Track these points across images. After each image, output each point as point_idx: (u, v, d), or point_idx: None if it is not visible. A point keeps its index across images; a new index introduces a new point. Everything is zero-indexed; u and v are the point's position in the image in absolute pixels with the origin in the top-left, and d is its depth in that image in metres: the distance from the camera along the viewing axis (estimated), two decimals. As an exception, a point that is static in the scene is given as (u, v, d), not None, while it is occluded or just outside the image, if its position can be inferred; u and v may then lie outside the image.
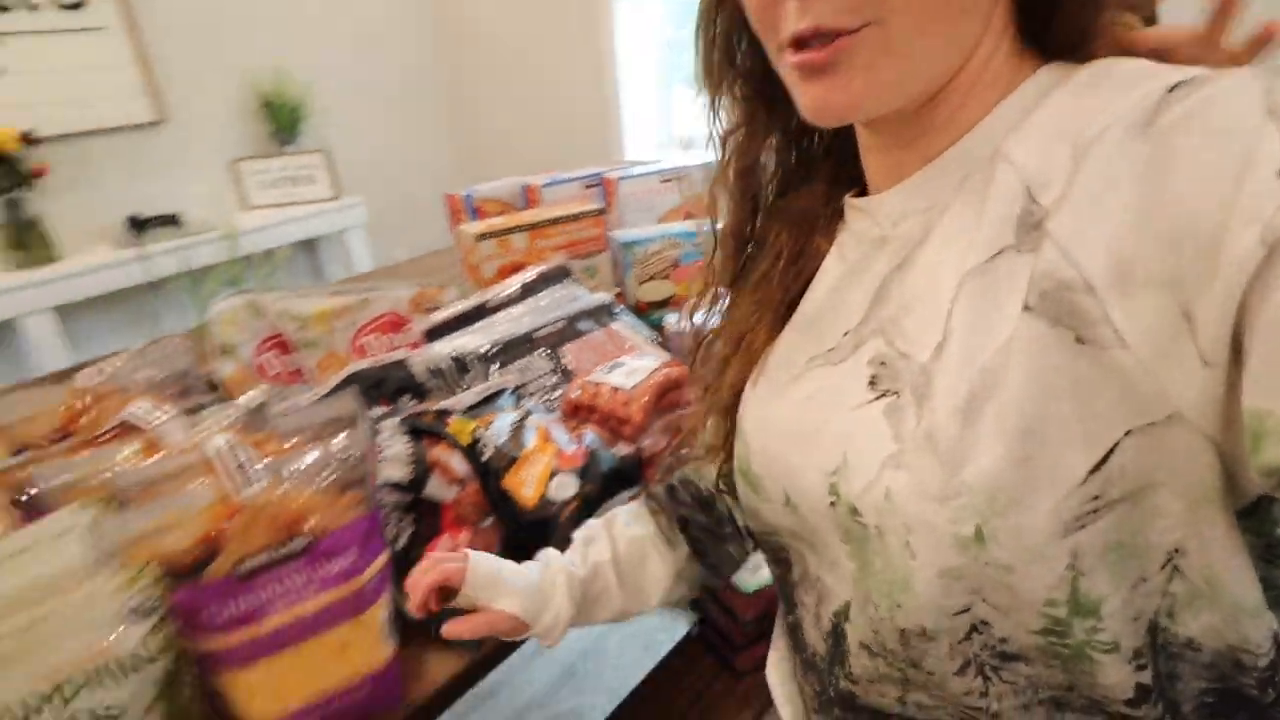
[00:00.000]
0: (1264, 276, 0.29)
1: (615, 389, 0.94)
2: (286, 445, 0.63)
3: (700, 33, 0.50)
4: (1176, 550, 0.37)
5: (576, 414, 0.96)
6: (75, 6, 2.32)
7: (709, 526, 0.67)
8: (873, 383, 0.44)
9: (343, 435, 0.63)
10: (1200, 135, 0.32)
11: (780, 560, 0.56)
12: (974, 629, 0.40)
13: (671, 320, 1.21)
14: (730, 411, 0.57)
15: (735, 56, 0.50)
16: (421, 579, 0.60)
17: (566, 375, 1.07)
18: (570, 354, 1.12)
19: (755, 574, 1.43)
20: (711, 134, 0.54)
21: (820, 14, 0.38)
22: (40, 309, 2.19)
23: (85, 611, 0.52)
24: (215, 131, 2.66)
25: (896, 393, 0.42)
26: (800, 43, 0.40)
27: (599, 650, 1.71)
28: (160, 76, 2.50)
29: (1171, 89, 0.34)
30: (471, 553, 0.62)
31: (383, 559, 0.65)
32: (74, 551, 0.57)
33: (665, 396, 0.94)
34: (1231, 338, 0.31)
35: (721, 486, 0.62)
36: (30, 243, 2.21)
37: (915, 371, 0.41)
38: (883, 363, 0.43)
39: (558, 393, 1.03)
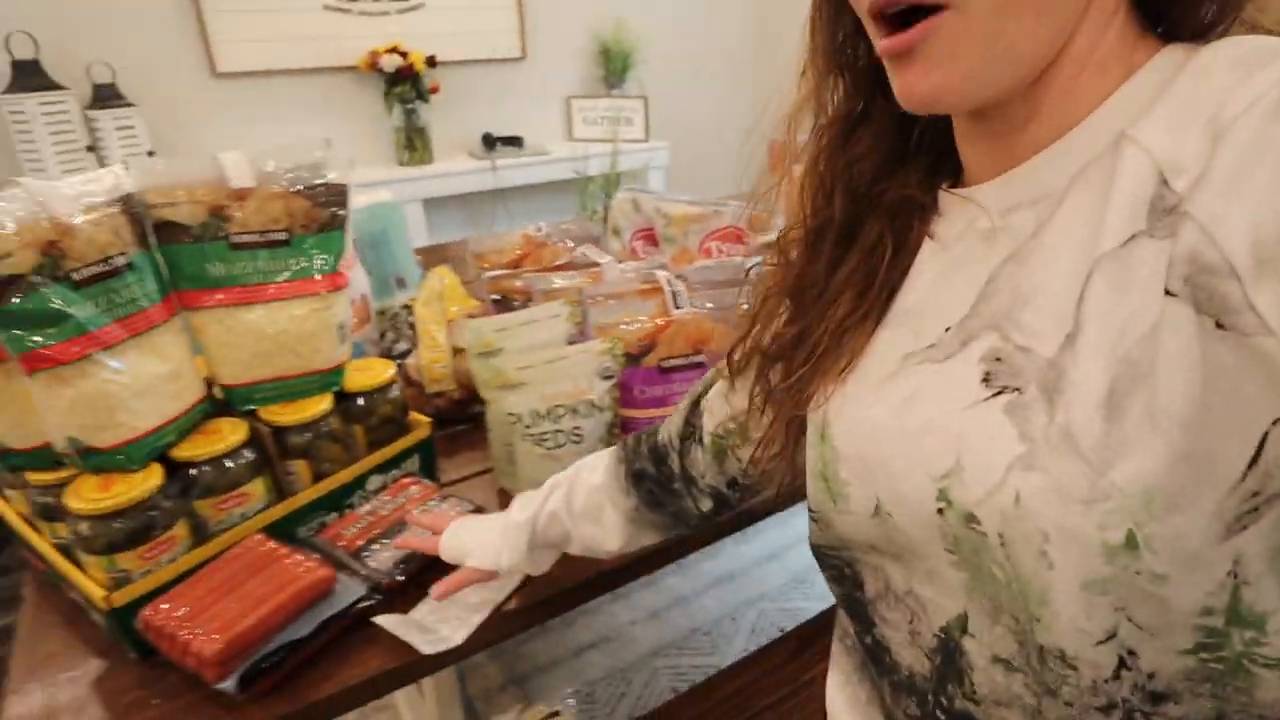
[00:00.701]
0: None
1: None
2: (700, 289, 0.87)
3: (811, 17, 0.49)
4: None
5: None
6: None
7: (660, 480, 0.69)
8: (987, 379, 0.41)
9: (737, 287, 0.86)
10: None
11: (846, 577, 0.53)
12: (1122, 663, 0.37)
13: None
14: (793, 429, 0.55)
15: (845, 41, 0.49)
16: (408, 542, 0.77)
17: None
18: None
19: None
20: (815, 122, 0.51)
21: None
22: (414, 199, 2.75)
23: (578, 365, 0.79)
24: (559, 70, 3.10)
25: (1018, 389, 0.39)
26: (889, 19, 0.40)
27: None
28: (528, 20, 2.96)
29: None
30: (447, 530, 0.74)
31: (744, 387, 0.88)
32: (559, 330, 0.86)
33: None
34: None
35: (748, 474, 0.64)
36: (417, 145, 2.77)
37: (1040, 366, 0.38)
38: (998, 358, 0.41)
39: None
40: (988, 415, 0.40)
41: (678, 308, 0.82)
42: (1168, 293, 0.34)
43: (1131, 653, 0.37)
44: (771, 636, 1.51)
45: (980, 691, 0.44)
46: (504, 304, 1.01)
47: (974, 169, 0.46)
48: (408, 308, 1.18)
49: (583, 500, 0.70)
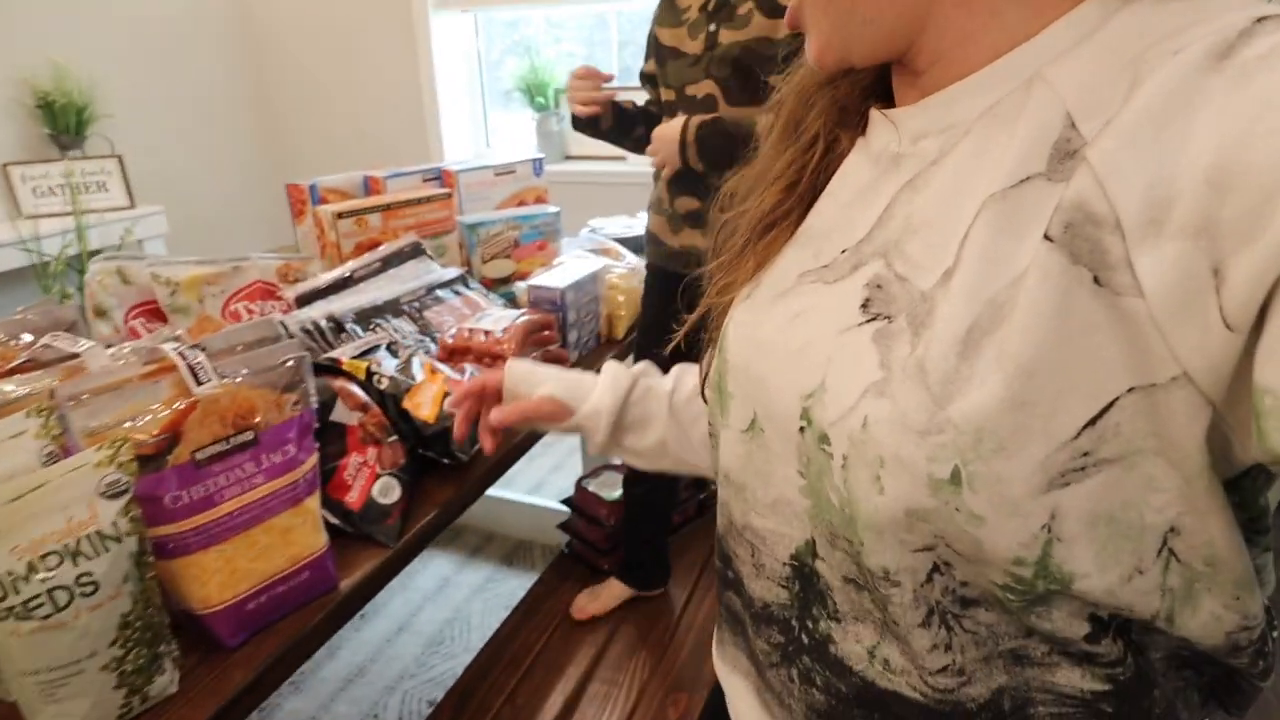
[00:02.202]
0: None
1: (487, 332, 1.08)
2: (224, 357, 0.71)
3: None
4: (1172, 529, 0.35)
5: (453, 357, 1.09)
6: None
7: None
8: (865, 305, 0.41)
9: (277, 344, 0.73)
10: None
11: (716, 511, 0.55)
12: (935, 569, 0.39)
13: (521, 288, 1.36)
14: (719, 322, 0.55)
15: None
16: (461, 397, 0.69)
17: (432, 333, 1.19)
18: (432, 316, 1.23)
19: (613, 488, 1.64)
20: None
21: None
22: None
23: (65, 489, 0.58)
24: (-21, 133, 2.41)
25: (889, 317, 0.39)
26: None
27: (462, 617, 1.79)
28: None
29: (1260, 20, 0.31)
30: (510, 360, 0.67)
31: (314, 458, 0.75)
32: (27, 455, 0.63)
33: (532, 336, 1.10)
34: (1263, 304, 0.28)
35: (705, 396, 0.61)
36: None
37: (915, 298, 0.38)
38: (879, 285, 0.41)
39: (427, 348, 1.15)
40: (856, 340, 0.40)
41: (201, 384, 0.66)
42: (1046, 237, 0.33)
43: (947, 564, 0.38)
44: (424, 714, 1.38)
45: (842, 609, 0.44)
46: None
47: (900, 96, 0.47)
48: None
49: (684, 398, 0.66)
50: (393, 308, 1.20)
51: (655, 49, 1.38)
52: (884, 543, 0.39)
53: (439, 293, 1.29)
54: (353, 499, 0.84)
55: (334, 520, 0.82)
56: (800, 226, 0.51)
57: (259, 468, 0.69)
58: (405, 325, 1.20)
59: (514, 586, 1.82)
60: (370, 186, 1.58)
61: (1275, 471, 0.36)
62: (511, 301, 1.39)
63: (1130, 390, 0.32)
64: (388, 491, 0.85)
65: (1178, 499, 0.34)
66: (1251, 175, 0.28)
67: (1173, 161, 0.30)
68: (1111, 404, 0.32)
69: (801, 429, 0.43)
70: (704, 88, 1.29)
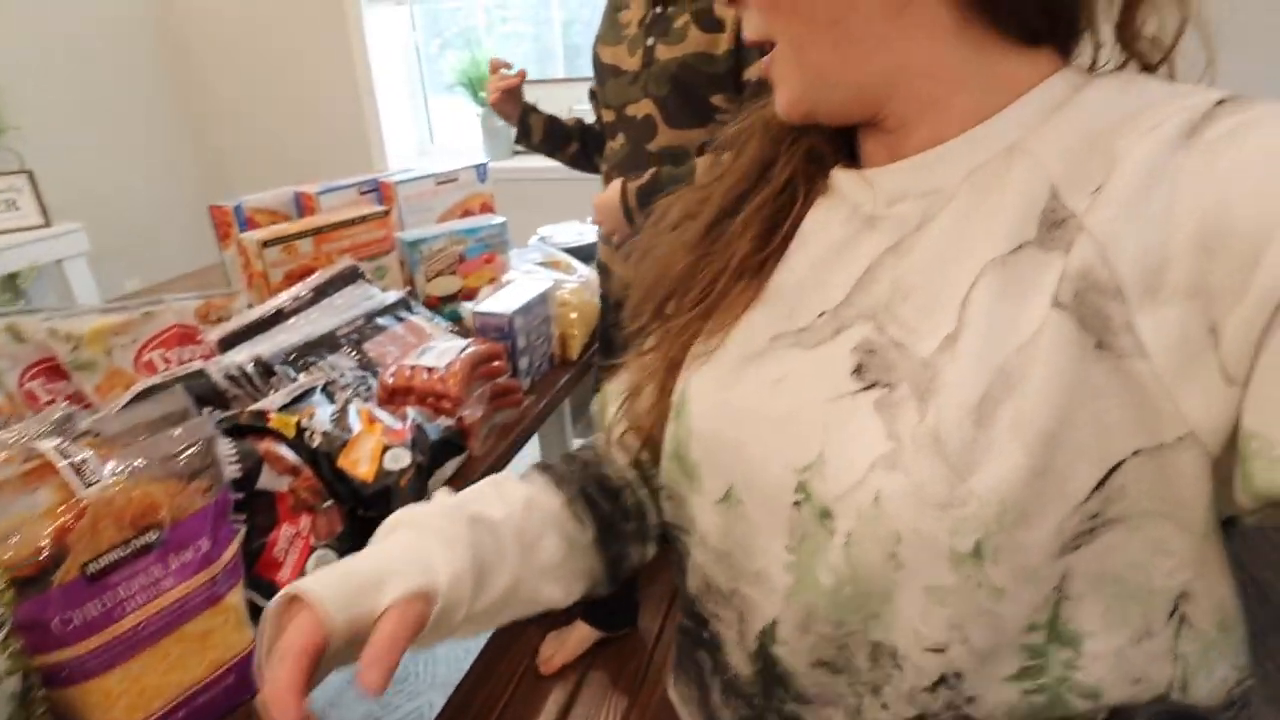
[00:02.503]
0: None
1: (429, 369, 1.00)
2: (123, 444, 0.62)
3: None
4: (1183, 594, 0.35)
5: (394, 398, 1.00)
6: None
7: (610, 518, 0.56)
8: (858, 372, 0.40)
9: (181, 427, 0.64)
10: (1250, 151, 0.31)
11: (684, 567, 0.52)
12: (943, 680, 0.37)
13: (468, 309, 1.28)
14: (672, 378, 0.52)
15: None
16: (280, 689, 0.37)
17: (373, 368, 1.10)
18: (373, 349, 1.14)
19: None
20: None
21: (747, 28, 0.44)
22: None
23: (-78, 632, 0.50)
24: None
25: (889, 385, 0.39)
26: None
27: (426, 652, 1.72)
28: None
29: (1219, 103, 0.34)
30: (305, 591, 0.42)
31: (235, 544, 0.67)
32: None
33: (478, 369, 1.02)
34: (1255, 356, 0.30)
35: (640, 470, 0.58)
36: None
37: (915, 364, 0.38)
38: (871, 350, 0.40)
39: (368, 385, 1.06)
40: (856, 409, 0.39)
41: (90, 484, 0.57)
42: (1056, 304, 0.34)
43: (958, 675, 0.37)
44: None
45: (809, 693, 0.43)
46: None
47: (868, 157, 0.47)
48: None
49: (521, 510, 0.52)
50: (329, 342, 1.11)
51: (596, 67, 1.33)
52: (900, 621, 0.37)
53: (380, 320, 1.20)
54: (284, 578, 0.76)
55: (263, 604, 0.74)
56: (768, 283, 0.49)
57: (167, 570, 0.61)
58: (343, 361, 1.11)
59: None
60: (302, 204, 1.47)
61: (1250, 520, 0.36)
62: (458, 323, 1.30)
63: (1136, 453, 0.33)
64: (324, 566, 0.77)
65: (1189, 563, 0.34)
66: (1234, 240, 0.30)
67: (1162, 229, 0.32)
68: (1118, 466, 0.33)
69: (797, 503, 0.41)
70: (643, 107, 1.24)
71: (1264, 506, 0.32)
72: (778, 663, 0.44)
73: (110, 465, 0.59)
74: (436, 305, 1.39)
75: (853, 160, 0.49)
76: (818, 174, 0.49)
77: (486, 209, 1.59)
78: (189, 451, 0.63)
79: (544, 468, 0.59)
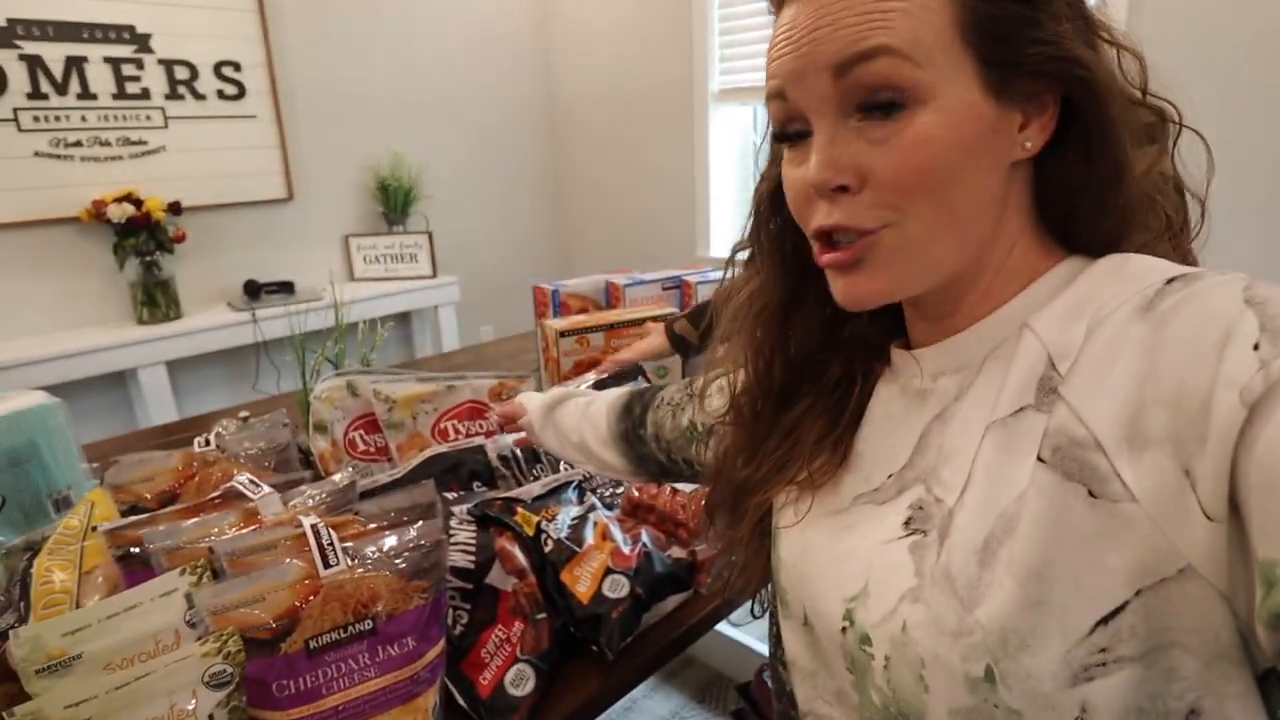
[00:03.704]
0: (1248, 434, 0.33)
1: (675, 491, 0.97)
2: (367, 529, 0.68)
3: (752, 207, 0.57)
4: (1193, 712, 0.37)
5: (636, 513, 0.99)
6: (236, 97, 2.62)
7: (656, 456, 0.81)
8: (908, 523, 0.47)
9: (418, 524, 0.68)
10: (1190, 319, 0.37)
11: (784, 691, 0.59)
12: None
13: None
14: (757, 541, 0.60)
15: (779, 233, 0.55)
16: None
17: (631, 472, 1.11)
18: (636, 451, 1.16)
19: None
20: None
21: (845, 215, 0.44)
22: (157, 362, 2.40)
23: (171, 676, 0.57)
24: (333, 209, 2.91)
25: (925, 532, 0.45)
26: (827, 236, 0.46)
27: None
28: (294, 160, 2.76)
29: (1169, 281, 0.40)
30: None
31: (439, 647, 0.69)
32: (173, 613, 0.64)
33: (723, 505, 0.96)
34: (1229, 494, 0.33)
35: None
36: (160, 301, 2.44)
37: (943, 514, 0.44)
38: (920, 507, 0.47)
39: (620, 488, 1.07)
40: (895, 550, 0.46)
41: (329, 566, 0.63)
42: (1039, 459, 0.39)
43: None
44: None
45: None
46: (132, 563, 0.76)
47: (916, 336, 0.53)
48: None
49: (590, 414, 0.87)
50: (595, 438, 1.15)
51: None
52: None
53: (648, 422, 1.22)
54: (485, 681, 0.77)
55: (460, 700, 0.76)
56: (851, 453, 0.55)
57: (372, 660, 0.64)
58: (604, 458, 1.14)
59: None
60: (610, 293, 1.57)
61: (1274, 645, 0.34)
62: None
63: (1138, 594, 0.36)
64: (521, 682, 0.77)
65: (1196, 683, 0.36)
66: (1189, 393, 0.35)
67: (1127, 388, 0.37)
68: (1123, 606, 0.36)
69: (844, 629, 0.47)
70: None
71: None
72: None
73: (350, 550, 0.65)
74: (711, 411, 1.38)
75: (898, 334, 0.55)
76: (873, 356, 0.56)
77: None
78: (418, 549, 0.66)
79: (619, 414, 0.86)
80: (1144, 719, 0.37)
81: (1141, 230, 0.47)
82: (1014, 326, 0.46)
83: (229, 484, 0.76)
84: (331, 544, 0.65)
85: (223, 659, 0.58)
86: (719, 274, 1.56)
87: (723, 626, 1.89)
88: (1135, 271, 0.43)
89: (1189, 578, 0.35)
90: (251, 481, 0.76)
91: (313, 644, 0.62)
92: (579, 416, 0.88)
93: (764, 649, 1.62)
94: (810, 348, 0.57)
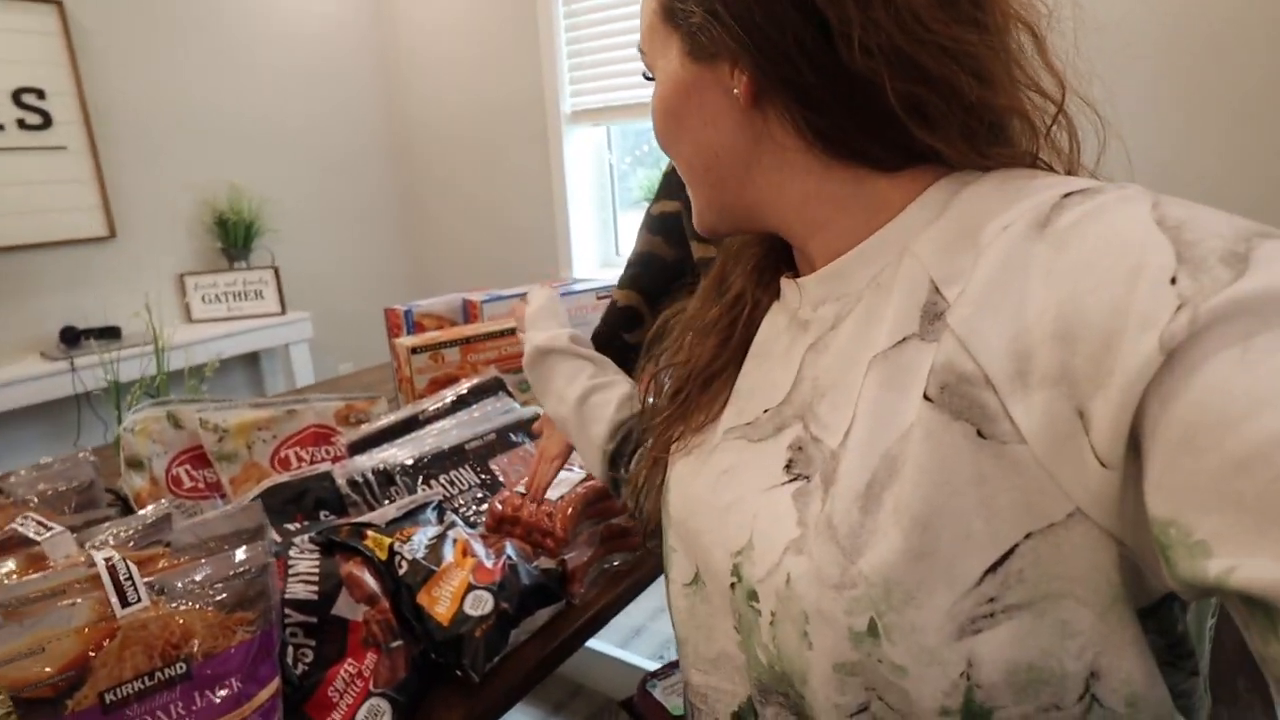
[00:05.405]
0: (1164, 382, 0.29)
1: (540, 501, 0.93)
2: (179, 560, 0.60)
3: None
4: (1093, 674, 0.35)
5: (500, 527, 0.94)
6: (41, 127, 2.37)
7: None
8: (789, 466, 0.45)
9: (240, 550, 0.61)
10: (1093, 240, 0.33)
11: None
12: None
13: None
14: (656, 474, 0.59)
15: None
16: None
17: (495, 487, 1.06)
18: (500, 466, 1.10)
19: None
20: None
21: None
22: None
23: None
24: (164, 247, 2.67)
25: (807, 477, 0.43)
26: None
27: None
28: (114, 194, 2.52)
29: (1066, 195, 0.36)
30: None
31: (272, 687, 0.61)
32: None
33: (593, 507, 0.93)
34: (1129, 439, 0.31)
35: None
36: (-45, 354, 2.15)
37: (825, 456, 0.42)
38: (800, 447, 0.45)
39: (484, 505, 1.01)
40: (779, 498, 0.44)
41: (128, 604, 0.55)
42: (925, 397, 0.37)
43: None
44: None
45: None
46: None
47: (800, 268, 0.52)
48: None
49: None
50: (455, 456, 1.09)
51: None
52: (820, 701, 0.40)
53: (512, 436, 1.16)
54: (333, 724, 0.69)
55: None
56: (733, 390, 0.54)
57: (188, 709, 0.56)
58: (467, 475, 1.08)
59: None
60: (468, 311, 1.51)
61: (1188, 598, 0.35)
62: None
63: (1028, 536, 0.34)
64: (376, 718, 0.70)
65: (1094, 639, 0.35)
66: (1089, 329, 0.32)
67: (1020, 319, 0.34)
68: (1012, 551, 0.34)
69: (732, 585, 0.45)
70: None
71: (1192, 592, 0.31)
72: None
73: (155, 585, 0.56)
74: (579, 423, 1.34)
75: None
76: (770, 284, 0.55)
77: (646, 327, 1.55)
78: (240, 576, 0.59)
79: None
80: (1036, 676, 0.35)
81: (1008, 143, 0.43)
82: (894, 250, 0.43)
83: (9, 526, 0.65)
84: (130, 579, 0.56)
85: (-14, 727, 0.49)
86: (580, 287, 1.54)
87: (610, 648, 1.84)
88: (1024, 186, 0.39)
89: (1078, 522, 0.33)
90: (38, 522, 0.65)
91: (109, 697, 0.53)
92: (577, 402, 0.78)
93: (651, 666, 1.58)
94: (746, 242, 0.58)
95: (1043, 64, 0.42)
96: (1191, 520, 0.29)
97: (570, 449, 0.90)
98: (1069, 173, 0.44)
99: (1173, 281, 0.30)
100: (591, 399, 0.76)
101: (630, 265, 1.16)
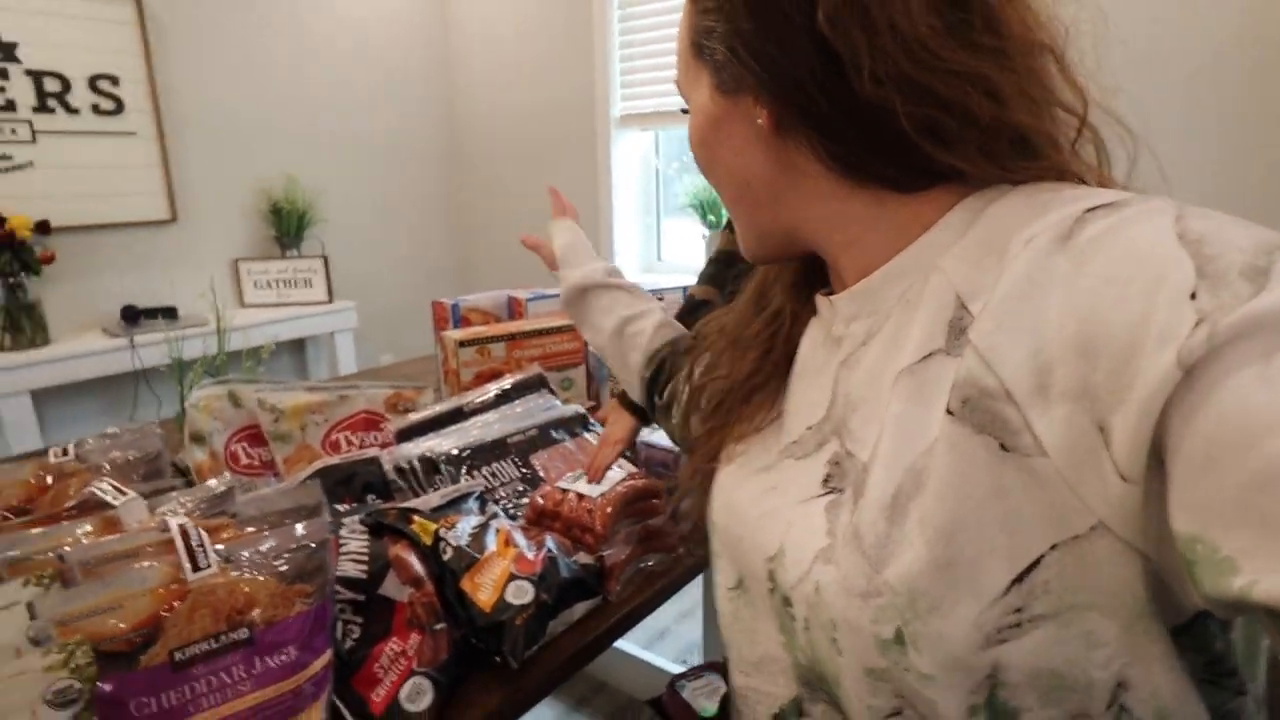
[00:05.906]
0: (1185, 398, 0.29)
1: (581, 496, 0.95)
2: (244, 532, 0.63)
3: None
4: (1120, 685, 0.35)
5: (541, 520, 0.96)
6: (114, 113, 2.47)
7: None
8: (826, 480, 0.46)
9: (301, 524, 0.64)
10: (1114, 254, 0.33)
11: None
12: None
13: (644, 433, 1.23)
14: (703, 483, 0.60)
15: None
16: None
17: (535, 482, 1.08)
18: (540, 461, 1.13)
19: (713, 698, 1.39)
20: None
21: None
22: (20, 391, 2.19)
23: (4, 695, 0.51)
24: (221, 232, 2.76)
25: (841, 490, 0.44)
26: None
27: None
28: (177, 180, 2.62)
29: (1090, 209, 0.36)
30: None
31: (326, 657, 0.64)
32: (13, 630, 0.57)
33: (632, 506, 0.95)
34: (1149, 453, 0.31)
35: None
36: (25, 326, 2.24)
37: (858, 470, 0.43)
38: (837, 462, 0.46)
39: (524, 499, 1.04)
40: (813, 510, 0.45)
41: (199, 569, 0.58)
42: (948, 411, 0.37)
43: None
44: None
45: None
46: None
47: (834, 284, 0.53)
48: None
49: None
50: (498, 448, 1.11)
51: None
52: (854, 703, 0.41)
53: (554, 433, 1.19)
54: (378, 698, 0.72)
55: (348, 718, 0.70)
56: (782, 408, 0.56)
57: (249, 673, 0.59)
58: (508, 469, 1.11)
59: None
60: (513, 308, 1.55)
61: (1219, 615, 0.35)
62: (634, 451, 1.26)
63: (1054, 548, 0.34)
64: (417, 697, 0.72)
65: (1120, 650, 0.35)
66: (1109, 343, 0.32)
67: (1041, 333, 0.34)
68: (1037, 562, 0.34)
69: (770, 590, 0.47)
70: None
71: (1221, 607, 0.31)
72: None
73: (223, 552, 0.59)
74: (619, 424, 1.36)
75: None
76: (809, 300, 0.56)
77: (687, 333, 1.56)
78: (300, 551, 0.62)
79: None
80: (1061, 683, 0.35)
81: (1033, 157, 0.43)
82: (922, 268, 0.44)
83: (86, 490, 0.69)
84: (201, 545, 0.59)
85: (69, 673, 0.52)
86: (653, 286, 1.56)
87: (635, 649, 1.86)
88: (1051, 199, 0.39)
89: (1101, 535, 0.33)
90: (114, 487, 0.69)
91: (179, 656, 0.56)
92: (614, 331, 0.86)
93: (675, 669, 1.59)
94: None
95: (1064, 80, 0.43)
96: (1217, 536, 0.29)
97: (632, 435, 1.01)
98: (1100, 185, 0.44)
99: (1192, 297, 0.30)
100: (628, 329, 0.84)
101: (710, 263, 1.26)
